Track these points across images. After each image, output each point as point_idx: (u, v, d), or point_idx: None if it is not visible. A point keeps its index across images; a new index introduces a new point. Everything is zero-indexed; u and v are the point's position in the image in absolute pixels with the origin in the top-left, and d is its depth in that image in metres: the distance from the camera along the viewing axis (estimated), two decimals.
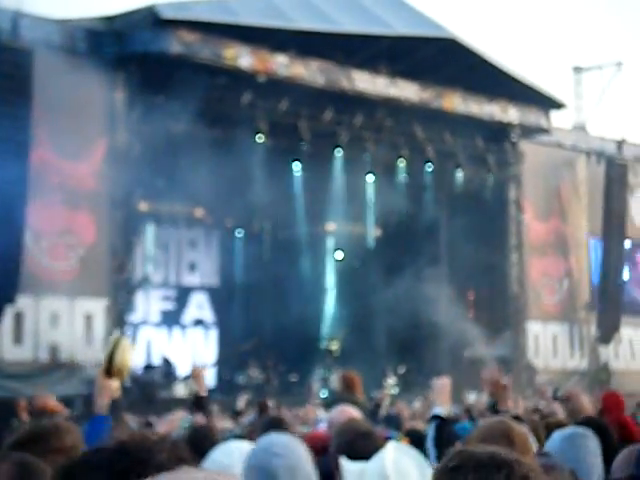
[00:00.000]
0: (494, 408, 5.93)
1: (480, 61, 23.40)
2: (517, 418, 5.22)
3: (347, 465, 3.80)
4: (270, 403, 12.00)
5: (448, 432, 5.34)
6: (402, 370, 25.84)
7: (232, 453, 3.62)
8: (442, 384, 5.94)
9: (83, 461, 1.71)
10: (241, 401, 14.06)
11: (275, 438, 3.46)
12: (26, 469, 2.74)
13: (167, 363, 22.30)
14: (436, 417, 5.38)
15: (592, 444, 4.51)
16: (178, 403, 18.05)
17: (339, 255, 28.61)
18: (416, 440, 5.47)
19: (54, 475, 1.94)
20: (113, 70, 19.54)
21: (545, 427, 5.64)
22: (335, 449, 4.34)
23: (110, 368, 5.35)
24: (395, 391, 23.45)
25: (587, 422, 5.21)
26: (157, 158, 20.67)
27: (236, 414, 12.60)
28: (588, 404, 5.96)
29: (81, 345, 18.98)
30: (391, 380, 25.09)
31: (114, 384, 5.56)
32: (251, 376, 23.88)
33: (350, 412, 5.64)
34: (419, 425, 8.57)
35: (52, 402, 5.62)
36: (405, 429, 7.86)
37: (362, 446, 4.11)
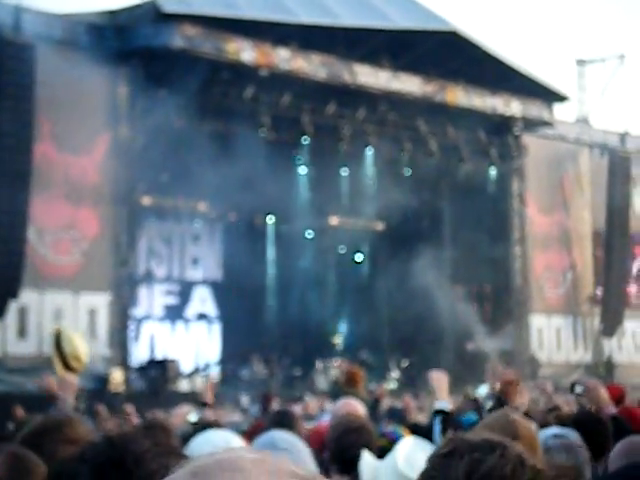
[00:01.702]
0: (500, 402, 5.93)
1: (482, 54, 23.38)
2: (527, 415, 5.23)
3: (362, 461, 3.81)
4: (275, 401, 11.99)
5: (454, 425, 5.34)
6: (405, 364, 25.86)
7: (214, 442, 3.61)
8: (439, 378, 5.93)
9: (71, 456, 1.78)
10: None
11: (277, 434, 3.46)
12: (19, 461, 2.76)
13: (169, 362, 22.28)
14: (439, 412, 5.38)
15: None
16: (183, 398, 18.09)
17: (342, 249, 28.60)
18: (419, 434, 5.48)
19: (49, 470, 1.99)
20: (115, 64, 19.55)
21: (556, 419, 5.62)
22: (327, 443, 4.35)
23: (66, 361, 5.38)
24: (394, 385, 23.47)
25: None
26: (160, 152, 20.68)
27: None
28: (606, 397, 5.94)
29: (85, 339, 18.99)
30: (394, 374, 25.11)
31: (73, 378, 5.58)
32: (255, 370, 23.90)
33: (353, 405, 5.64)
34: (423, 419, 8.59)
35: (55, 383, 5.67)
36: (408, 423, 7.87)
37: (352, 440, 4.12)
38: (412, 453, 3.58)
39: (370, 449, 4.03)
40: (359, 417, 4.74)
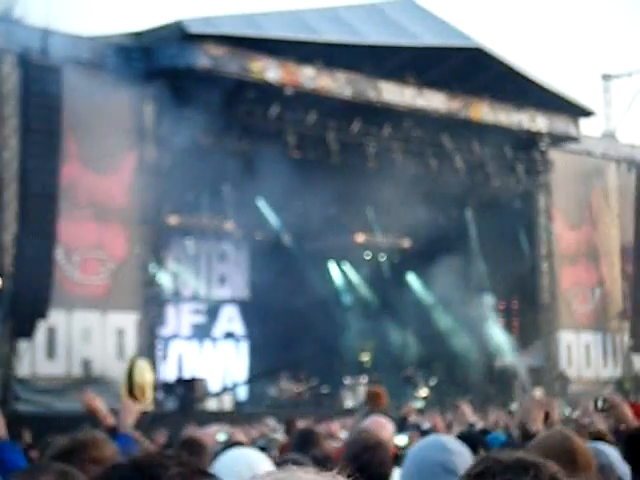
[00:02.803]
0: (524, 428, 5.88)
1: (507, 70, 23.34)
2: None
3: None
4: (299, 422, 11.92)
5: (482, 445, 5.30)
6: (434, 382, 25.73)
7: (239, 461, 3.63)
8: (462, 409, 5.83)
9: (99, 478, 1.78)
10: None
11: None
12: (66, 479, 2.78)
13: (197, 381, 22.27)
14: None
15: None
16: (211, 417, 18.09)
17: (368, 266, 28.56)
18: None
19: None
20: (141, 85, 19.68)
21: (588, 436, 5.57)
22: (344, 460, 4.34)
23: (132, 389, 5.39)
24: (421, 405, 23.37)
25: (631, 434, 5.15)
26: (186, 172, 20.77)
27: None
28: (630, 414, 5.87)
29: (113, 359, 19.05)
30: (423, 392, 24.99)
31: (138, 406, 5.59)
32: (282, 388, 23.87)
33: (382, 423, 5.61)
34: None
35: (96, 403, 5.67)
36: None
37: (369, 458, 4.13)
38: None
39: (385, 466, 4.06)
40: (375, 434, 4.71)
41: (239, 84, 20.20)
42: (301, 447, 5.65)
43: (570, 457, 3.22)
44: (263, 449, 7.97)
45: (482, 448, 5.16)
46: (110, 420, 5.51)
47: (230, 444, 6.65)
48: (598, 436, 5.46)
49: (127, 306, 19.66)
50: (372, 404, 8.81)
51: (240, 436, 7.97)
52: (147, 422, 16.96)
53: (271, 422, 13.89)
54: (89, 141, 18.89)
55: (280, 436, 10.47)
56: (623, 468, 4.35)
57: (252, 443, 8.51)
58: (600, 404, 5.97)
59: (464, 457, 3.44)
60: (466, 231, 27.50)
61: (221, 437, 8.36)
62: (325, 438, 6.36)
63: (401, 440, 6.77)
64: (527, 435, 5.40)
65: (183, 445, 5.43)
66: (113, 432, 5.33)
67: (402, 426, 9.65)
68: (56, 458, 3.25)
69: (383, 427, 5.58)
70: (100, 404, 5.62)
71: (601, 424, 6.88)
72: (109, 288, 19.44)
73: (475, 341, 26.35)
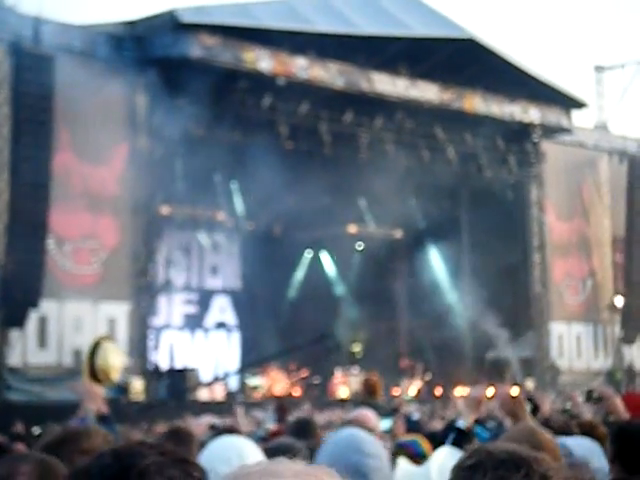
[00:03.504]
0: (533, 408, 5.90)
1: (500, 61, 23.34)
2: (547, 423, 5.19)
3: (398, 468, 3.81)
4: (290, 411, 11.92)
5: (469, 438, 5.30)
6: (426, 375, 25.75)
7: (227, 448, 3.61)
8: (469, 398, 5.76)
9: (79, 469, 1.81)
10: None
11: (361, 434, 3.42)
12: (46, 469, 2.78)
13: (189, 371, 22.28)
14: (455, 428, 5.35)
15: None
16: (202, 407, 18.11)
17: (360, 257, 28.58)
18: (437, 443, 5.46)
19: None
20: (134, 74, 19.64)
21: (578, 427, 5.59)
22: None
23: (93, 373, 5.39)
24: (412, 395, 23.43)
25: (623, 424, 5.17)
26: (178, 162, 20.76)
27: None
28: (622, 406, 5.90)
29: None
30: (415, 385, 25.04)
31: (98, 388, 5.59)
32: (273, 379, 23.86)
33: (367, 416, 5.62)
34: (437, 426, 8.56)
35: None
36: (425, 432, 7.85)
37: None
38: (446, 463, 3.57)
39: None
40: (363, 425, 4.72)
41: (231, 74, 20.17)
42: (297, 437, 5.66)
43: (536, 446, 3.22)
44: (263, 439, 7.99)
45: (471, 439, 5.17)
46: (103, 408, 5.53)
47: (219, 431, 6.64)
48: (589, 427, 5.47)
49: (119, 296, 19.65)
50: (367, 394, 8.81)
51: (229, 423, 7.98)
52: (139, 412, 17.01)
53: (259, 413, 13.89)
54: (81, 130, 18.86)
55: (272, 425, 10.48)
56: (600, 462, 4.34)
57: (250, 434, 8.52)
58: (592, 395, 5.98)
59: (379, 460, 3.30)
60: (458, 222, 27.54)
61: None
62: (320, 428, 6.37)
63: (384, 425, 6.77)
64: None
65: (169, 435, 5.43)
66: (103, 419, 5.35)
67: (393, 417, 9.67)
68: (46, 449, 3.25)
69: (369, 419, 5.59)
70: (98, 392, 5.65)
71: (587, 414, 6.90)
72: (101, 278, 19.43)
73: (467, 333, 26.39)
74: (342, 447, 3.33)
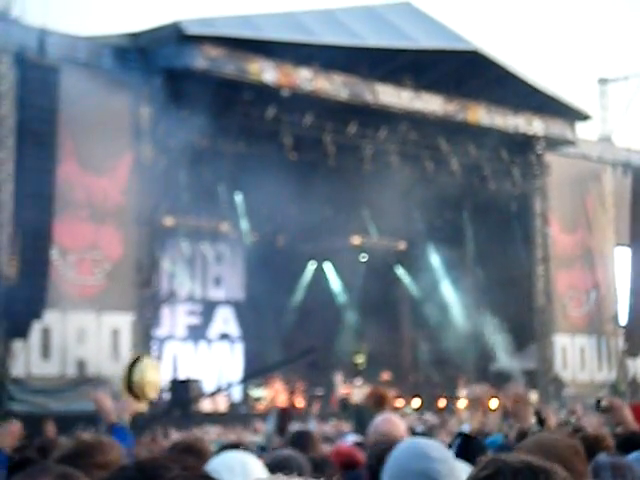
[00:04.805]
0: (519, 428, 5.86)
1: (504, 73, 23.36)
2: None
3: None
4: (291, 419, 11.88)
5: (475, 445, 5.27)
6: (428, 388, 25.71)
7: (230, 463, 3.63)
8: (475, 398, 5.74)
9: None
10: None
11: (426, 443, 3.37)
12: None
13: (192, 382, 22.25)
14: (461, 434, 5.32)
15: None
16: (205, 418, 18.10)
17: (364, 268, 28.55)
18: None
19: None
20: (138, 85, 19.66)
21: (582, 441, 5.55)
22: (368, 463, 4.32)
23: (131, 388, 5.38)
24: (412, 409, 23.38)
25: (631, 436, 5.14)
26: (182, 173, 20.76)
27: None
28: (631, 416, 5.87)
29: (107, 360, 19.03)
30: (417, 400, 24.98)
31: (135, 405, 5.63)
32: (276, 390, 23.83)
33: (395, 422, 5.55)
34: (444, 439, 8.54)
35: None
36: None
37: None
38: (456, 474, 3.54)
39: None
40: (398, 436, 4.69)
41: (236, 85, 20.20)
42: (296, 449, 5.63)
43: (571, 462, 3.18)
44: (263, 448, 7.98)
45: (481, 450, 5.14)
46: (113, 418, 5.55)
47: (224, 446, 6.62)
48: (595, 440, 5.44)
49: (122, 307, 19.63)
50: (376, 406, 8.69)
51: (233, 436, 7.96)
52: (141, 423, 16.97)
53: (261, 425, 13.87)
54: (85, 141, 18.88)
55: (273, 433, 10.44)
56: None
57: (251, 442, 8.50)
58: (601, 405, 5.96)
59: (447, 464, 3.26)
60: (462, 234, 27.52)
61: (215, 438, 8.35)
62: (319, 440, 6.33)
63: None
64: (523, 435, 5.40)
65: (184, 449, 5.42)
66: (113, 428, 5.37)
67: None
68: (61, 461, 3.24)
69: (396, 425, 5.52)
70: (108, 403, 5.67)
71: (590, 427, 6.86)
72: (104, 288, 19.41)
73: (470, 345, 26.36)
74: (408, 455, 3.29)
